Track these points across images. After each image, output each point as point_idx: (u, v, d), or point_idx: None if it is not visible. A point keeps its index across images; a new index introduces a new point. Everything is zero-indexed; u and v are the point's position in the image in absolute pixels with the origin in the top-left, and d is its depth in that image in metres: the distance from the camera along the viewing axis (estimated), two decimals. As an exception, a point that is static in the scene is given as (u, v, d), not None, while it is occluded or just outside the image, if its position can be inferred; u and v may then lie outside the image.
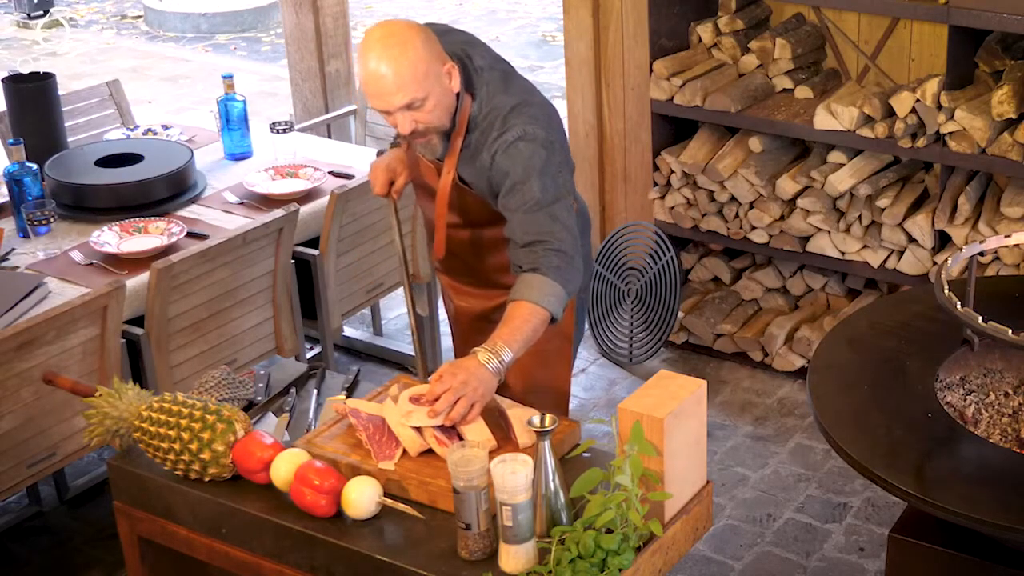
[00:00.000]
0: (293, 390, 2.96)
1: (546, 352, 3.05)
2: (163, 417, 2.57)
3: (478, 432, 2.58)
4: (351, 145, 5.15)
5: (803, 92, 4.49)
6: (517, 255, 2.77)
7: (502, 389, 2.77)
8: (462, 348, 3.24)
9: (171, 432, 2.55)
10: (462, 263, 3.09)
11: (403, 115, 2.73)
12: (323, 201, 4.17)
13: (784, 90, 4.55)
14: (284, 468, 2.49)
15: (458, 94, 2.79)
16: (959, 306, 2.73)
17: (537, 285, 2.71)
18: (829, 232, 4.39)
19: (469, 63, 2.84)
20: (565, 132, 2.96)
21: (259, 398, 2.93)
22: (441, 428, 2.61)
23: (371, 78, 2.69)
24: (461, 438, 2.60)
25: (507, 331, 2.66)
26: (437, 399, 2.57)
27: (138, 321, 3.68)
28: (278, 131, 4.44)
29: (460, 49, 2.85)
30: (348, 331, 5.00)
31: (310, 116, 5.69)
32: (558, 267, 2.72)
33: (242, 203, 4.17)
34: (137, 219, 3.99)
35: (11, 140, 4.12)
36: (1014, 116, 3.93)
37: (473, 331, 3.12)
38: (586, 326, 4.58)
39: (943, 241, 4.23)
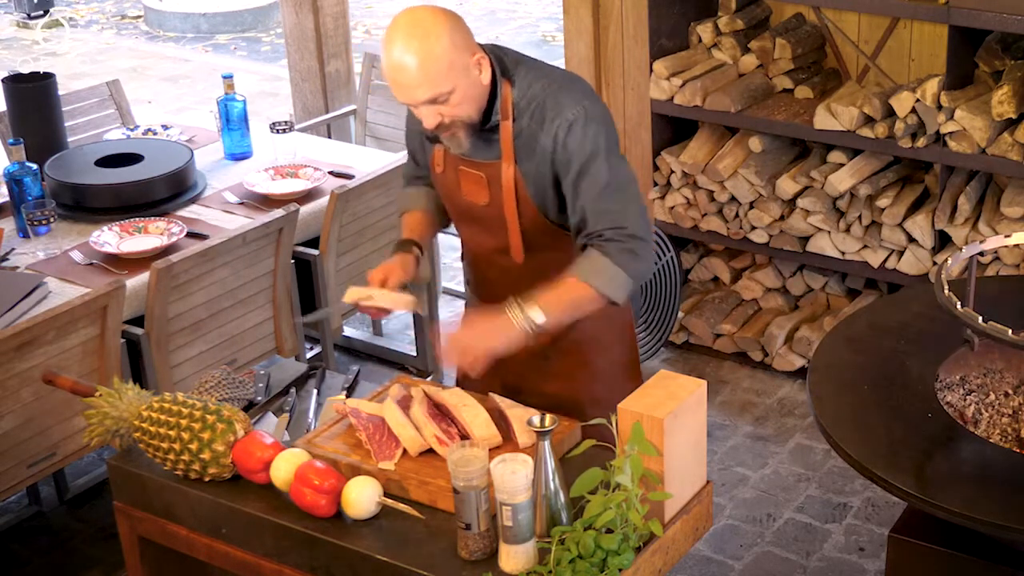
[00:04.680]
0: (293, 390, 2.96)
1: (614, 372, 2.96)
2: (163, 417, 2.57)
3: (483, 427, 2.58)
4: (351, 145, 5.15)
5: (803, 92, 4.49)
6: (586, 241, 2.66)
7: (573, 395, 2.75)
8: (510, 393, 2.92)
9: (171, 432, 2.55)
10: (506, 294, 2.79)
11: (427, 108, 2.60)
12: (323, 201, 4.17)
13: (784, 90, 4.56)
14: (284, 468, 2.49)
15: (495, 83, 2.66)
16: (959, 306, 2.73)
17: (594, 265, 2.61)
18: (829, 232, 4.39)
19: (500, 51, 2.72)
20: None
21: (259, 398, 2.93)
22: (441, 428, 2.61)
23: (393, 70, 2.55)
24: (463, 437, 2.60)
25: (544, 296, 2.59)
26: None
27: (138, 321, 3.69)
28: (278, 131, 4.44)
29: (488, 45, 2.73)
30: (348, 331, 5.00)
31: (310, 116, 5.69)
32: (626, 250, 2.61)
33: (242, 203, 4.17)
34: (137, 219, 3.99)
35: (11, 140, 4.12)
36: (1014, 116, 3.93)
37: (526, 374, 2.89)
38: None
39: (943, 241, 4.23)
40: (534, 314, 2.57)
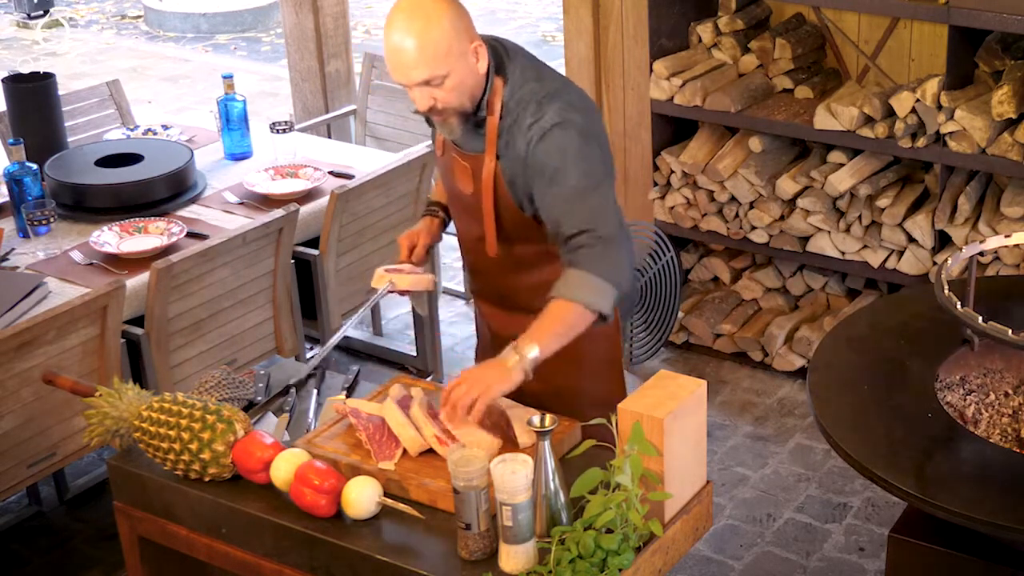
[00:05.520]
0: (293, 390, 2.96)
1: (598, 366, 2.98)
2: (163, 417, 2.57)
3: (477, 439, 2.58)
4: (351, 145, 5.15)
5: (803, 92, 4.49)
6: (562, 251, 2.69)
7: (557, 402, 2.76)
8: None
9: (171, 432, 2.55)
10: (493, 282, 2.98)
11: (421, 91, 2.63)
12: (323, 201, 4.17)
13: (784, 90, 4.56)
14: (284, 468, 2.49)
15: (488, 77, 2.69)
16: (959, 306, 2.73)
17: (572, 281, 2.64)
18: (829, 232, 4.39)
19: (500, 47, 2.75)
20: (605, 128, 2.84)
21: (259, 398, 2.93)
22: (441, 428, 2.61)
23: (392, 50, 2.60)
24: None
25: (535, 328, 2.61)
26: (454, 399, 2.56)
27: (138, 321, 3.69)
28: (278, 131, 4.44)
29: (491, 37, 2.77)
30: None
31: (310, 116, 5.69)
32: (598, 258, 2.63)
33: (242, 203, 4.17)
34: (137, 219, 4.00)
35: (11, 140, 4.12)
36: (1014, 116, 3.93)
37: None
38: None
39: (943, 241, 4.23)
40: (530, 351, 2.57)
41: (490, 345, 3.06)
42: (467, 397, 2.53)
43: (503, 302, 2.99)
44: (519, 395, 2.77)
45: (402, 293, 3.02)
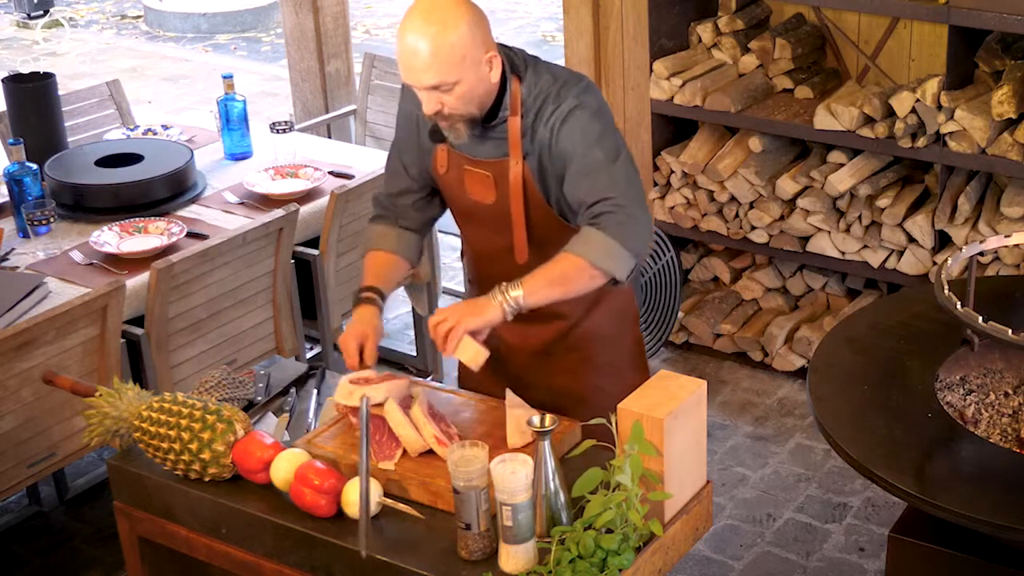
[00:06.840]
0: (293, 390, 2.96)
1: (619, 364, 2.96)
2: (163, 417, 2.57)
3: (467, 349, 2.57)
4: (351, 145, 5.15)
5: (803, 92, 4.49)
6: (582, 219, 2.67)
7: (573, 402, 2.76)
8: (515, 388, 2.81)
9: (171, 432, 2.55)
10: None
11: (429, 94, 2.62)
12: (323, 201, 4.17)
13: (784, 90, 4.56)
14: (284, 468, 2.49)
15: (505, 79, 2.68)
16: (959, 306, 2.73)
17: (584, 237, 2.62)
18: (829, 232, 4.39)
19: (510, 50, 2.74)
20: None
21: (259, 398, 2.93)
22: (441, 428, 2.61)
23: (404, 51, 2.58)
24: (462, 437, 2.60)
25: (532, 273, 2.60)
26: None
27: (138, 321, 3.69)
28: (278, 131, 4.44)
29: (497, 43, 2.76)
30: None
31: (310, 116, 5.69)
32: (616, 223, 2.61)
33: (242, 203, 4.17)
34: (137, 219, 3.99)
35: (11, 140, 4.12)
36: (1014, 116, 3.93)
37: (530, 370, 2.92)
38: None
39: (943, 241, 4.23)
40: (515, 292, 2.58)
41: (507, 359, 2.94)
42: (443, 327, 2.58)
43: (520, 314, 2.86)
44: (550, 395, 2.76)
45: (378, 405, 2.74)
